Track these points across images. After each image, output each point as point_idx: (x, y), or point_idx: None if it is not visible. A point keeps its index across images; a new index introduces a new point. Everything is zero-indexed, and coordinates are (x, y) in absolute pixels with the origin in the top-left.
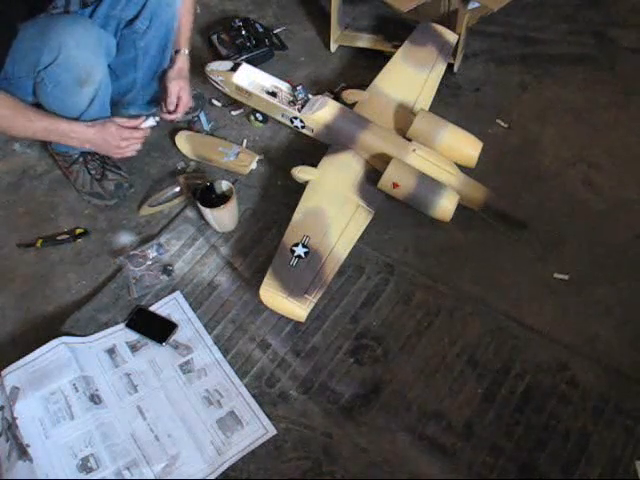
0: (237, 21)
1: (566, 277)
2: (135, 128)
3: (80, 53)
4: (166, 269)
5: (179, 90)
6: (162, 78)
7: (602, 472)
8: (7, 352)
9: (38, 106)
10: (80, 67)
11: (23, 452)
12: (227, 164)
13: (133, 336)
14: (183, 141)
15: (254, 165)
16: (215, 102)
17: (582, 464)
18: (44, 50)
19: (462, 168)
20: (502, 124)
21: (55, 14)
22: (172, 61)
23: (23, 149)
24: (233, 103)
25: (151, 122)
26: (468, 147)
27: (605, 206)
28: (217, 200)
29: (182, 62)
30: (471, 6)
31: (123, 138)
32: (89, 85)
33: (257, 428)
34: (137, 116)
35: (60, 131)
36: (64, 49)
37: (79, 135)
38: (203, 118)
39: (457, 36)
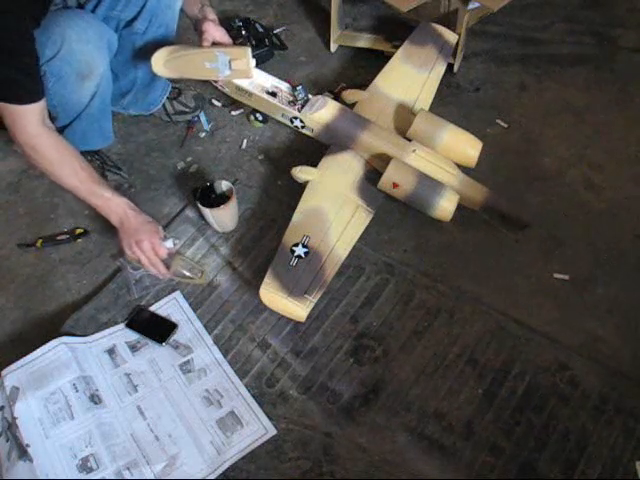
0: (237, 21)
1: (566, 277)
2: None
3: (82, 47)
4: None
5: (215, 35)
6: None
7: (602, 472)
8: (7, 352)
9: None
10: (82, 61)
11: (23, 452)
12: (225, 80)
13: (133, 336)
14: (162, 65)
15: (253, 62)
16: (215, 102)
17: (582, 464)
18: (46, 44)
19: (462, 168)
20: (502, 124)
21: (56, 10)
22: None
23: None
24: (233, 103)
25: (169, 244)
26: (468, 147)
27: (605, 206)
28: (217, 200)
29: (213, 14)
30: (471, 6)
31: (144, 250)
32: (91, 79)
33: (257, 428)
34: (136, 116)
35: (95, 203)
36: (66, 42)
37: (106, 213)
38: (203, 118)
39: (457, 36)
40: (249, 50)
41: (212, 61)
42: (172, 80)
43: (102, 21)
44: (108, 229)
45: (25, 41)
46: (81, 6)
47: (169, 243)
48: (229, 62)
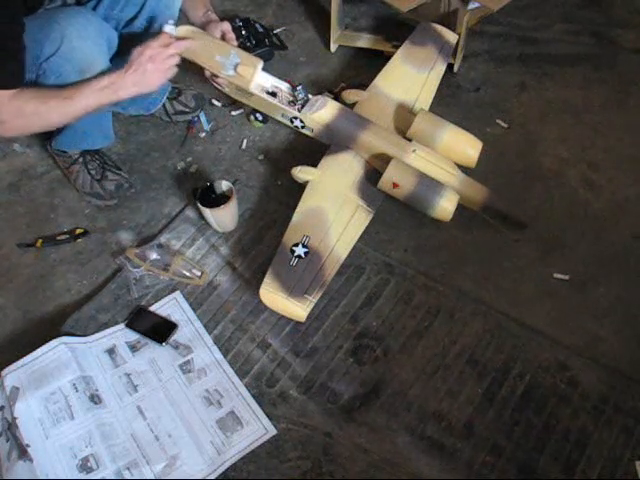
0: (237, 21)
1: (566, 277)
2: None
3: (82, 44)
4: (166, 269)
5: (222, 32)
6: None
7: (602, 472)
8: (7, 352)
9: None
10: (82, 58)
11: (23, 452)
12: (226, 79)
13: (133, 336)
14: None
15: (258, 76)
16: (215, 102)
17: (582, 464)
18: (46, 42)
19: (462, 168)
20: (502, 124)
21: (55, 7)
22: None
23: (23, 149)
24: (233, 103)
25: (170, 27)
26: (468, 147)
27: (605, 206)
28: (217, 200)
29: (216, 16)
30: (471, 6)
31: (158, 60)
32: (91, 76)
33: (257, 428)
34: (136, 116)
35: (101, 98)
36: (66, 40)
37: (120, 84)
38: (203, 118)
39: (457, 36)
40: (261, 64)
41: (223, 56)
42: (171, 79)
43: None
44: (108, 229)
45: (13, 25)
46: (80, 5)
47: (168, 27)
48: (236, 66)
